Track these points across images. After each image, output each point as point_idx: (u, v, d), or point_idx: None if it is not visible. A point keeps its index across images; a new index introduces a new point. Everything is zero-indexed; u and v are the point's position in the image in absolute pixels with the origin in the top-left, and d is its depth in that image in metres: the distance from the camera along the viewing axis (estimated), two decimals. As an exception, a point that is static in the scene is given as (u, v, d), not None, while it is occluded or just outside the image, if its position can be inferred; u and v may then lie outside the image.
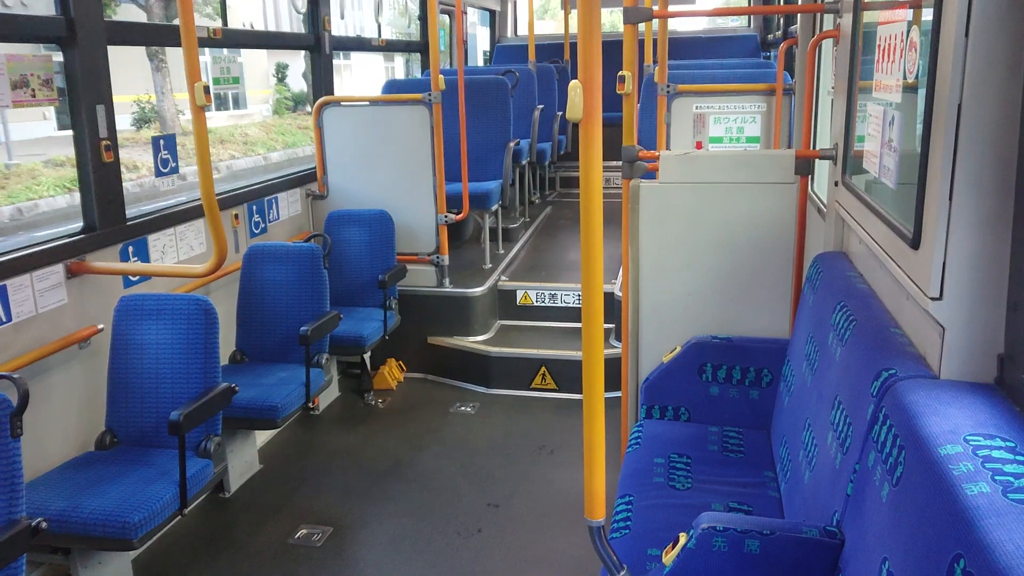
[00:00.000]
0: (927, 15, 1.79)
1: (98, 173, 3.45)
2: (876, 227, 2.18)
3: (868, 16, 2.49)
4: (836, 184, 2.82)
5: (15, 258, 3.11)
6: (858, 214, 2.43)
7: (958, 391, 1.66)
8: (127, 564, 3.22)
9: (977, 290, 1.68)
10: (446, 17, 8.60)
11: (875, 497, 1.63)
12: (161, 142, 3.86)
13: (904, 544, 1.42)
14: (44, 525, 2.30)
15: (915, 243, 1.80)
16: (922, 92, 1.82)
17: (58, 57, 3.35)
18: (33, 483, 2.88)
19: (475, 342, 5.25)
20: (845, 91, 2.67)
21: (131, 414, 3.22)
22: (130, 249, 3.66)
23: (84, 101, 3.37)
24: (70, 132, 3.41)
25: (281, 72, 22.92)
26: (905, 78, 2.00)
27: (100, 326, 3.42)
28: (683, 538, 1.94)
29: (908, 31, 1.99)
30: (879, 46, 2.26)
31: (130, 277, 3.65)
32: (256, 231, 4.74)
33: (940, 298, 1.71)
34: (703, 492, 2.58)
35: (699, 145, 5.23)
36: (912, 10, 2.00)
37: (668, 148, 5.13)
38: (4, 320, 3.04)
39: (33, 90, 3.08)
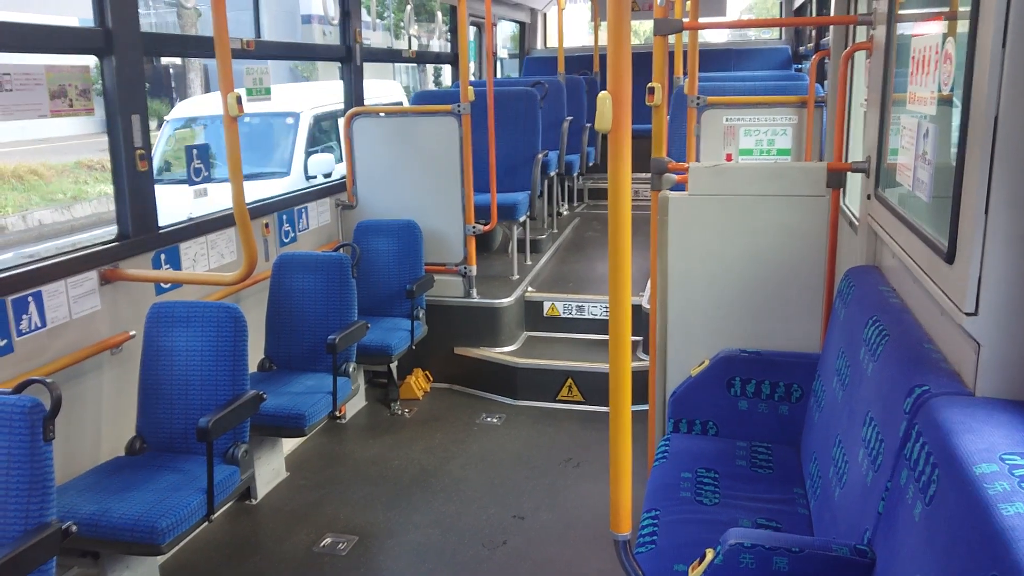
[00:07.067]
0: (963, 26, 1.77)
1: (132, 182, 3.50)
2: (910, 241, 2.15)
3: (902, 28, 2.46)
4: (869, 197, 2.78)
5: (50, 264, 3.16)
6: (891, 228, 2.39)
7: (993, 408, 1.63)
8: (155, 569, 3.25)
9: (1013, 305, 1.65)
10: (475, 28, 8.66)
11: (907, 516, 1.60)
12: (194, 151, 3.92)
13: (937, 564, 1.39)
14: (74, 528, 2.33)
15: (950, 257, 1.77)
16: (957, 104, 1.79)
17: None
18: (64, 487, 2.92)
19: (502, 353, 5.25)
20: (878, 103, 2.64)
21: (161, 420, 3.26)
22: (162, 257, 3.71)
23: (120, 111, 3.43)
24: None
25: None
26: (940, 90, 1.97)
27: (132, 332, 3.47)
28: (710, 554, 1.92)
29: (943, 43, 1.96)
30: (913, 58, 2.23)
31: (162, 284, 3.70)
32: (286, 240, 4.78)
33: (975, 313, 1.68)
34: (731, 508, 2.55)
35: (729, 157, 5.19)
36: (947, 21, 1.97)
37: (698, 160, 5.10)
38: (39, 325, 3.09)
39: (71, 100, 3.15)
